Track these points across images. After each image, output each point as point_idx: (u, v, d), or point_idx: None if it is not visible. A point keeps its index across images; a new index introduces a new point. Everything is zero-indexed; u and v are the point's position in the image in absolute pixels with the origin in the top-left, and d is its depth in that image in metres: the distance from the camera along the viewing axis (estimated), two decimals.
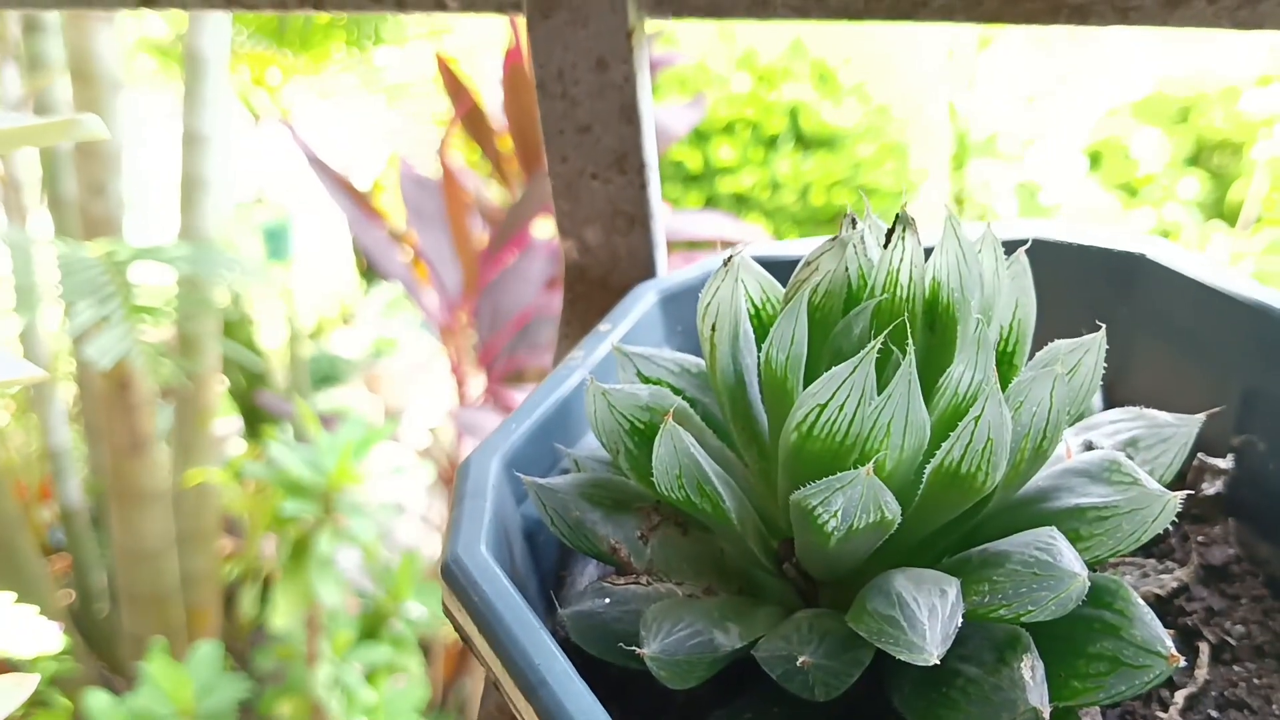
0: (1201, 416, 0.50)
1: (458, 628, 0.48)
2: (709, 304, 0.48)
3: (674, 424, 0.44)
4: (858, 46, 3.54)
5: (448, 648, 2.67)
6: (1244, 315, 0.56)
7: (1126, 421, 0.51)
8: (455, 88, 2.34)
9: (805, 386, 0.46)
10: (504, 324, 2.31)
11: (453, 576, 0.47)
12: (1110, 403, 0.61)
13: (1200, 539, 0.55)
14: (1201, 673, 0.50)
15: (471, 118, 2.37)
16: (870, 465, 0.40)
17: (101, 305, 1.64)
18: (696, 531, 0.52)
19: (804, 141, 3.47)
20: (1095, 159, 3.76)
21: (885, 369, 0.45)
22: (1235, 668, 0.51)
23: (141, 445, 2.17)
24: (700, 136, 3.44)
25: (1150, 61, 3.71)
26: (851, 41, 3.55)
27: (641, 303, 0.61)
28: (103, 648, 2.54)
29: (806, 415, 0.43)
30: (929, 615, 0.41)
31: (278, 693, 2.16)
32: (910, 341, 0.42)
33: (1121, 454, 0.46)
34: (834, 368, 0.42)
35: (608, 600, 0.49)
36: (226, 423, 3.36)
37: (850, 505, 0.41)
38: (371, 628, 2.23)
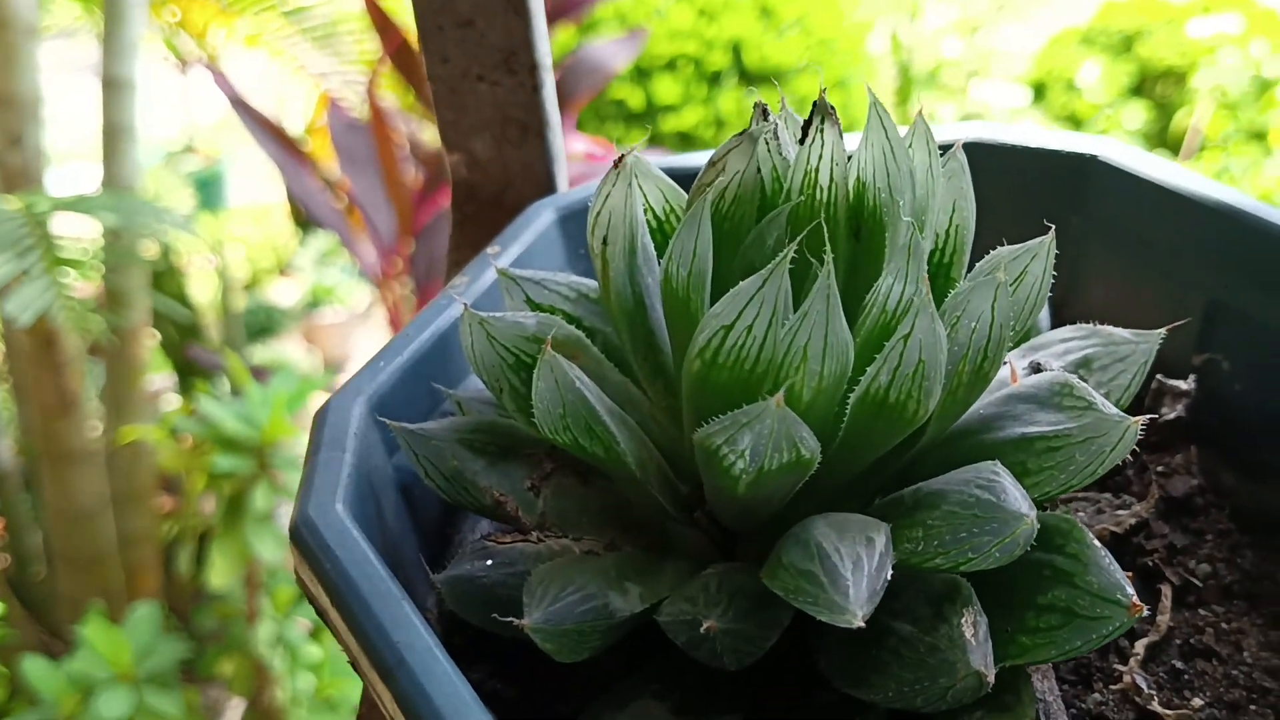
0: (1162, 332, 0.44)
1: (312, 600, 0.41)
2: (599, 214, 0.42)
3: (553, 354, 0.37)
4: None
5: None
6: (1208, 220, 0.51)
7: (1078, 340, 0.45)
8: (383, 24, 2.25)
9: (708, 308, 0.40)
10: (440, 269, 2.24)
11: (302, 540, 0.40)
12: (1059, 323, 0.55)
13: (1160, 469, 0.50)
14: (1164, 619, 0.45)
15: (401, 55, 2.29)
16: (781, 394, 0.33)
17: (20, 259, 1.57)
18: (598, 479, 0.45)
19: (748, 77, 3.39)
20: (1039, 90, 3.72)
21: (804, 284, 0.39)
22: (1201, 611, 0.46)
23: (70, 404, 2.11)
24: (640, 73, 3.35)
25: None
26: None
27: (537, 223, 0.54)
28: (41, 612, 2.48)
29: (710, 339, 0.37)
30: (853, 568, 0.34)
31: (219, 651, 2.13)
32: (829, 252, 0.35)
33: (1074, 376, 0.40)
34: (741, 283, 0.36)
35: (489, 561, 0.42)
36: (159, 379, 3.28)
37: (760, 443, 0.35)
38: None
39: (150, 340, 2.73)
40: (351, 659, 0.39)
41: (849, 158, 0.41)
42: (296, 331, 4.51)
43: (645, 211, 0.44)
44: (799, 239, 0.36)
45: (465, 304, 0.43)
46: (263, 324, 4.24)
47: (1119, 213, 0.54)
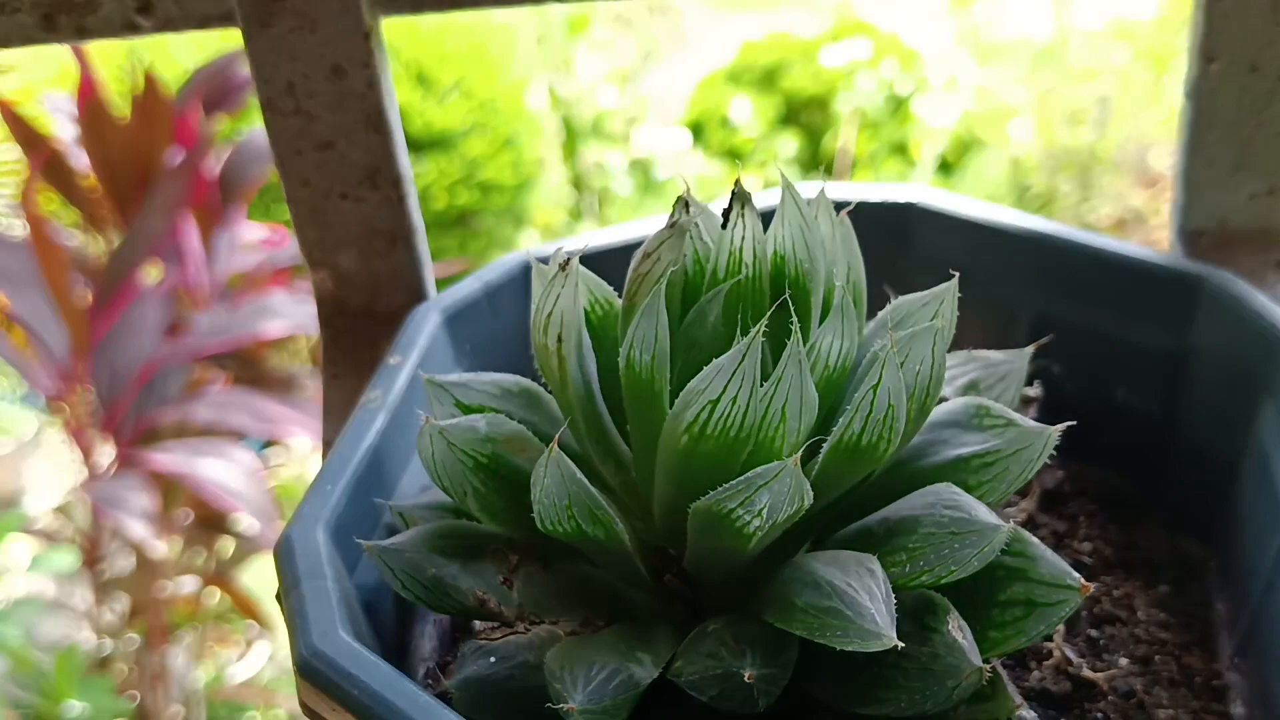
0: (1029, 350, 0.51)
1: None
2: (550, 314, 0.44)
3: (559, 452, 0.40)
4: (450, 43, 3.50)
5: None
6: (1021, 246, 0.58)
7: (959, 366, 0.51)
8: (28, 137, 2.14)
9: (670, 386, 0.43)
10: (125, 382, 2.13)
11: (317, 673, 0.40)
12: None
13: None
14: None
15: (50, 164, 2.18)
16: (798, 455, 0.37)
17: None
18: (558, 562, 0.47)
19: (414, 144, 3.40)
20: (696, 130, 3.91)
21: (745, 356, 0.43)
22: (1094, 584, 0.52)
23: None
24: None
25: (729, 31, 3.89)
26: (445, 38, 3.50)
27: (426, 327, 0.55)
28: None
29: (698, 415, 0.40)
30: (869, 598, 0.39)
31: None
32: (796, 322, 0.40)
33: (984, 399, 0.46)
34: (717, 359, 0.40)
35: (493, 659, 0.44)
36: None
37: (777, 500, 0.38)
38: None
39: None
40: None
41: (764, 234, 0.45)
42: None
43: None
44: (765, 318, 0.40)
45: (427, 418, 0.44)
46: None
47: (941, 250, 0.61)
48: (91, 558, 2.43)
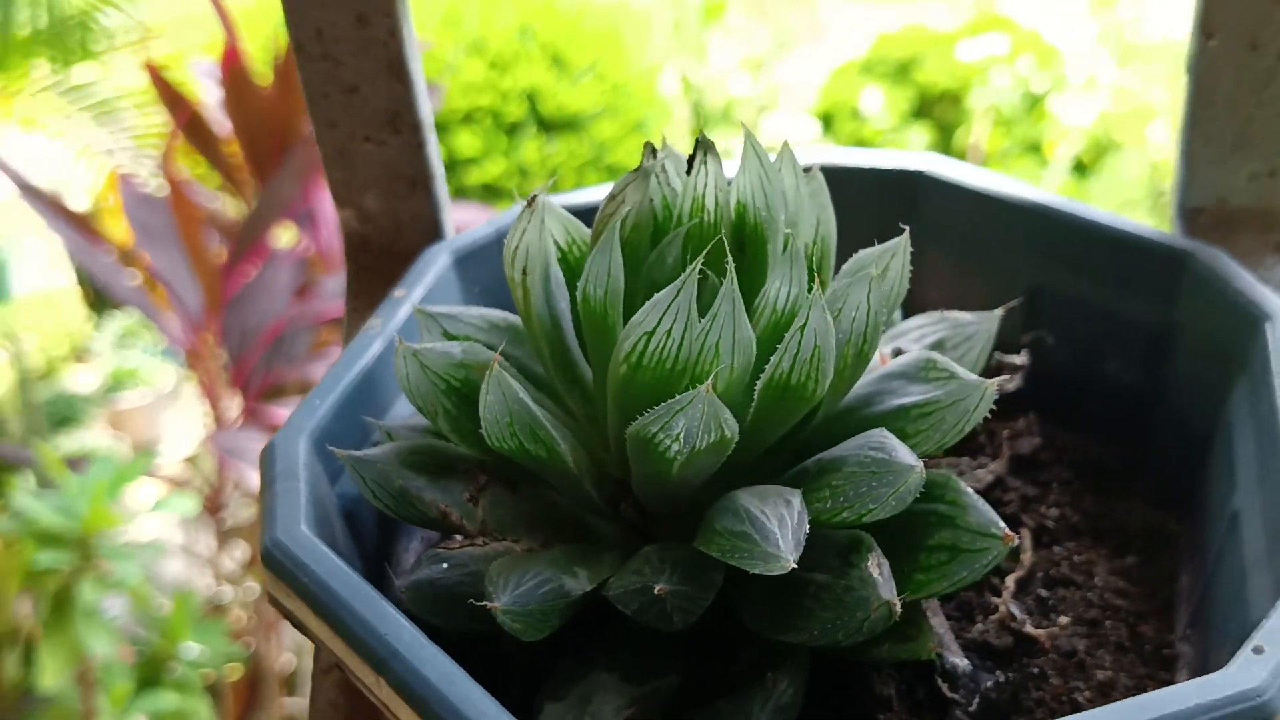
0: (999, 312, 0.52)
1: (288, 615, 0.45)
2: (516, 248, 0.47)
3: (500, 370, 0.43)
4: (587, 26, 3.54)
5: (235, 685, 2.57)
6: (1023, 217, 0.59)
7: (930, 325, 0.53)
8: (172, 97, 2.23)
9: (624, 322, 0.46)
10: (254, 340, 2.22)
11: (276, 561, 0.44)
12: (908, 315, 0.63)
13: (1007, 433, 0.58)
14: (1026, 557, 0.52)
15: (193, 127, 2.27)
16: (710, 382, 0.39)
17: None
18: (526, 487, 0.50)
19: (546, 125, 3.45)
20: (827, 120, 3.88)
21: (702, 294, 0.45)
22: (1055, 549, 0.53)
23: None
24: (439, 128, 3.36)
25: (865, 22, 3.86)
26: (580, 21, 3.55)
27: (435, 265, 0.59)
28: None
29: (635, 345, 0.42)
30: (779, 525, 0.40)
31: None
32: (730, 262, 0.41)
33: (935, 353, 0.48)
34: (655, 295, 0.42)
35: (445, 565, 0.47)
36: None
37: (692, 426, 0.40)
38: (151, 675, 2.13)
39: None
40: (337, 663, 0.43)
41: (729, 183, 0.47)
42: (100, 418, 4.34)
43: (553, 244, 0.50)
44: (701, 256, 0.42)
45: (399, 338, 0.48)
46: (64, 414, 4.07)
47: (947, 219, 0.62)
48: (214, 505, 2.54)
